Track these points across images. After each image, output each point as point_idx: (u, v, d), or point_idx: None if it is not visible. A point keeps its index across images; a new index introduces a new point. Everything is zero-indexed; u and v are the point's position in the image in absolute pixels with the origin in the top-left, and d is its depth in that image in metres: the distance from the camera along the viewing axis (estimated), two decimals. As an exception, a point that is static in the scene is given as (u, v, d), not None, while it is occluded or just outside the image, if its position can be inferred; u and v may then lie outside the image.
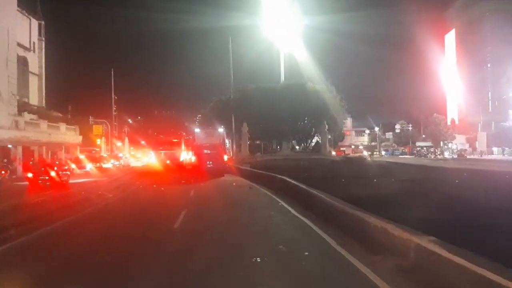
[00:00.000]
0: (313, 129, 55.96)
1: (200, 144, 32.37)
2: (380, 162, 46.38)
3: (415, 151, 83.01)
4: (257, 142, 62.53)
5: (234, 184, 25.98)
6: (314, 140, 60.48)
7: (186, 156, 34.00)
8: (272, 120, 50.98)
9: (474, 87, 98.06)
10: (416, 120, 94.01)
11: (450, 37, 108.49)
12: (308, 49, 58.66)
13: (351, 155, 68.23)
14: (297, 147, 61.85)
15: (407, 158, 68.07)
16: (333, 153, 60.40)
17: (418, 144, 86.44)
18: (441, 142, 79.80)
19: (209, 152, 31.78)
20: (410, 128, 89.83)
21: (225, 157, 32.33)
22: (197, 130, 33.06)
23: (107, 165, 48.06)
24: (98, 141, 77.15)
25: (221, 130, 33.54)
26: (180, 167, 33.46)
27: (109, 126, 72.47)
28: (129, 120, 76.66)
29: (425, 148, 79.81)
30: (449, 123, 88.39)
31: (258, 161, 44.60)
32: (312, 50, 70.75)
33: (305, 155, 51.44)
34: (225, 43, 50.93)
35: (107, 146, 70.76)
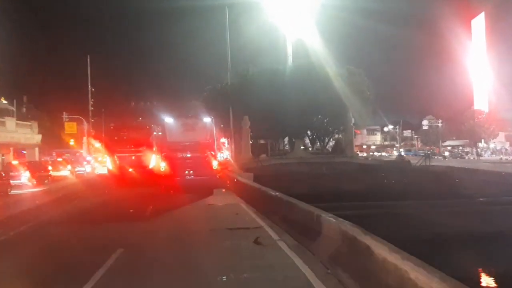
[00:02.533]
0: (333, 123, 43.74)
1: (175, 143, 20.44)
2: (439, 168, 34.10)
3: (445, 152, 71.04)
4: (261, 141, 50.55)
5: (227, 217, 14.05)
6: (329, 138, 48.43)
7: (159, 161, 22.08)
8: (280, 112, 38.93)
9: (506, 77, 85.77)
10: (444, 115, 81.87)
11: (479, 22, 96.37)
12: (320, 32, 46.18)
13: (381, 156, 56.13)
14: (309, 147, 49.95)
15: (453, 161, 55.38)
16: (362, 154, 48.39)
17: (448, 143, 74.66)
18: (482, 140, 67.68)
19: (189, 156, 19.76)
20: (440, 125, 77.83)
21: (215, 164, 20.15)
22: (168, 119, 20.89)
23: (63, 172, 36.13)
24: (72, 142, 65.66)
25: (208, 120, 21.23)
26: (149, 177, 21.36)
27: (85, 123, 60.62)
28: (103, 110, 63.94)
29: (461, 148, 67.79)
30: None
31: (264, 166, 32.60)
32: (324, 33, 58.05)
33: (324, 157, 39.44)
34: (220, 24, 39.24)
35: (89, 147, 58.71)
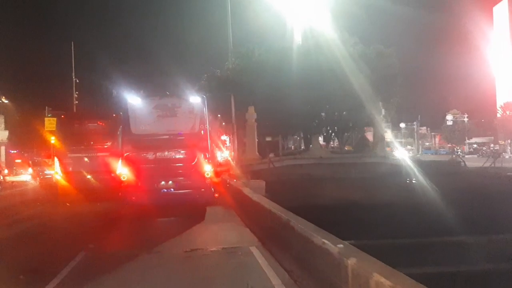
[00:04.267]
0: (354, 116, 36.06)
1: (143, 136, 12.73)
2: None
3: (471, 149, 63.44)
4: (268, 139, 43.07)
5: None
6: (348, 134, 40.86)
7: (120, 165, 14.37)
8: (292, 103, 31.47)
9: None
10: (464, 109, 74.08)
11: (501, 8, 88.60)
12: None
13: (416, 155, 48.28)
14: (322, 143, 42.33)
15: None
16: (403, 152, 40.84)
17: (474, 140, 67.11)
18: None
19: (166, 156, 12.17)
20: (466, 120, 69.97)
21: (208, 169, 12.53)
22: (133, 99, 13.17)
23: (23, 177, 28.97)
24: (53, 140, 58.23)
25: (196, 99, 13.39)
26: (114, 187, 13.62)
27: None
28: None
29: (492, 146, 60.17)
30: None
31: (277, 168, 25.17)
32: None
33: (349, 157, 31.95)
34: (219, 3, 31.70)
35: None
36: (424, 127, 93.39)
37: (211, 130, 13.09)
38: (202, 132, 12.54)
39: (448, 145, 73.73)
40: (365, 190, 21.00)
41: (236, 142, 33.53)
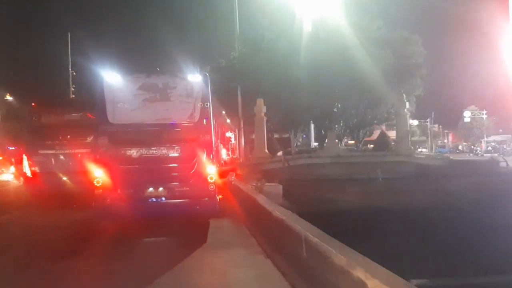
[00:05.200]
0: (374, 110, 32.69)
1: (125, 127, 9.24)
2: None
3: (489, 148, 59.86)
4: (275, 135, 39.88)
5: None
6: (365, 130, 37.45)
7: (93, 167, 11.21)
8: (305, 95, 28.26)
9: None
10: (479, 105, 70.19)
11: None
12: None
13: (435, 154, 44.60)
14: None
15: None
16: (422, 150, 37.45)
17: (492, 138, 63.56)
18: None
19: (154, 154, 9.00)
20: (484, 117, 66.09)
21: (211, 172, 9.38)
22: (111, 77, 10.30)
23: (2, 177, 25.99)
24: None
25: (195, 78, 10.30)
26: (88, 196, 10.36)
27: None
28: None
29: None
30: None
31: (292, 167, 22.00)
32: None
33: (369, 156, 28.64)
34: None
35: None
36: (436, 125, 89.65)
37: (215, 119, 9.82)
38: (205, 121, 9.29)
39: (464, 143, 70.14)
40: (395, 195, 17.83)
41: (243, 138, 30.40)
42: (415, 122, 76.97)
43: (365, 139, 38.33)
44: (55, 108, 14.53)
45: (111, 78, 9.17)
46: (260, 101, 27.92)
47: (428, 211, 14.34)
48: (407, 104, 28.65)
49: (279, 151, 32.27)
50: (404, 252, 9.10)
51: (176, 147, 9.15)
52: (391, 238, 10.44)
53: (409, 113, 28.81)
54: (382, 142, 33.69)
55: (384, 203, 15.58)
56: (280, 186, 13.80)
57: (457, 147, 67.83)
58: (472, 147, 63.82)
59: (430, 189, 19.66)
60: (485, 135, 66.92)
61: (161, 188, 9.15)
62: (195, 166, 9.18)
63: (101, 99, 9.12)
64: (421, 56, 29.80)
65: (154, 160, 9.08)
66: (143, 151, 9.03)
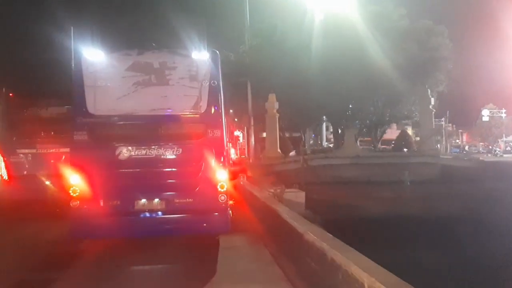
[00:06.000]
0: (393, 107, 30.34)
1: (109, 118, 7.01)
2: None
3: (508, 148, 57.10)
4: (286, 134, 37.64)
5: None
6: (382, 129, 35.09)
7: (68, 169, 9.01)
8: (319, 91, 26.09)
9: None
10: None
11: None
12: None
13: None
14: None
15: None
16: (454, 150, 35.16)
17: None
18: None
19: (150, 154, 6.91)
20: (504, 115, 63.21)
21: (222, 179, 7.30)
22: (91, 54, 8.54)
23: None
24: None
25: (202, 56, 8.35)
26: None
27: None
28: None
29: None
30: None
31: (311, 168, 19.84)
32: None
33: (393, 156, 26.33)
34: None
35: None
36: (450, 124, 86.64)
37: (220, 108, 7.57)
38: (214, 111, 7.11)
39: (481, 143, 67.33)
40: (429, 201, 15.59)
41: (252, 137, 28.27)
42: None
43: (382, 138, 36.01)
44: (37, 99, 12.38)
45: (92, 55, 7.02)
46: (272, 97, 25.86)
47: (473, 222, 12.20)
48: (432, 100, 26.30)
49: (291, 151, 30.09)
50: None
51: (177, 146, 7.00)
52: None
53: (434, 110, 26.43)
54: (403, 142, 31.37)
55: (420, 212, 13.39)
56: (301, 193, 11.60)
57: (474, 147, 64.84)
58: (490, 147, 61.04)
59: (465, 194, 17.43)
60: (504, 135, 64.09)
61: (156, 200, 7.01)
62: (201, 171, 7.03)
63: (79, 83, 6.97)
64: (447, 49, 27.47)
65: (147, 163, 6.95)
66: (133, 151, 6.90)
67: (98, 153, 6.89)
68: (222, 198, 7.07)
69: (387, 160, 24.33)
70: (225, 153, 7.29)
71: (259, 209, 10.28)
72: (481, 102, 66.01)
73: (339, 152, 25.79)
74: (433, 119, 26.41)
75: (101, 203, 6.87)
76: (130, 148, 6.88)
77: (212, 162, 7.05)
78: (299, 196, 11.27)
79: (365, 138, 37.53)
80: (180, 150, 6.96)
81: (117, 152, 6.87)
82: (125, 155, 6.88)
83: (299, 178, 16.95)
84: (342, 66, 25.59)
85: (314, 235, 5.73)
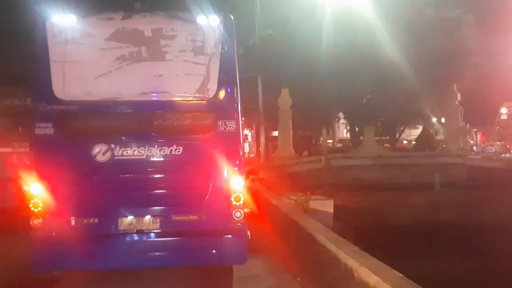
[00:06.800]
0: (418, 102, 28.13)
1: (82, 107, 5.15)
2: None
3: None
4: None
5: None
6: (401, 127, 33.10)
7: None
8: (336, 85, 24.09)
9: None
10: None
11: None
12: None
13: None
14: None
15: None
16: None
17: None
18: None
19: (139, 155, 5.12)
20: (523, 112, 60.88)
21: (237, 188, 5.51)
22: (60, 20, 6.94)
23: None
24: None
25: (214, 21, 6.62)
26: None
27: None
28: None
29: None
30: None
31: (333, 169, 18.00)
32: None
33: (416, 156, 24.29)
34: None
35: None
36: (464, 123, 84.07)
37: (239, 96, 5.63)
38: (225, 95, 5.21)
39: (497, 142, 64.68)
40: (469, 208, 13.60)
41: (263, 135, 26.34)
42: (443, 120, 71.71)
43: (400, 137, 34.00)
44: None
45: (61, 19, 5.12)
46: (285, 91, 23.96)
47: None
48: (459, 95, 24.20)
49: (304, 150, 28.15)
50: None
51: (175, 144, 5.11)
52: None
53: (461, 107, 24.31)
54: (426, 140, 29.33)
55: (467, 221, 11.42)
56: (329, 201, 9.64)
57: (490, 147, 62.18)
58: (508, 146, 58.48)
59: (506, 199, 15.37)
60: (525, 133, 61.37)
61: (148, 217, 5.14)
62: (209, 178, 5.14)
63: (42, 57, 5.07)
64: (474, 41, 25.29)
65: (136, 167, 5.10)
66: (117, 150, 5.03)
67: (68, 153, 5.03)
68: (238, 214, 5.18)
69: (412, 160, 22.33)
70: (241, 153, 5.39)
71: (279, 221, 8.40)
72: (500, 99, 63.10)
73: (358, 152, 23.77)
74: (460, 117, 24.23)
75: (73, 222, 5.02)
76: (112, 146, 5.03)
77: (224, 165, 5.17)
78: (326, 205, 9.35)
79: (382, 138, 35.48)
80: (180, 149, 5.09)
81: (94, 152, 5.01)
82: (105, 156, 5.02)
83: (321, 181, 15.03)
84: (358, 61, 23.59)
85: (374, 272, 3.84)
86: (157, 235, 5.13)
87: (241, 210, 5.18)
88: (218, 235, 5.16)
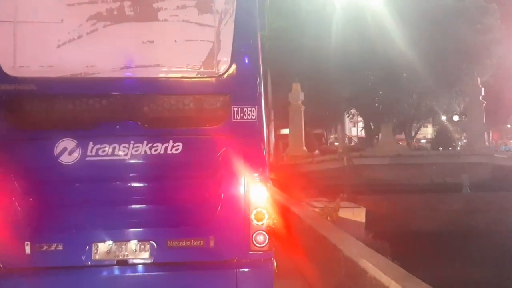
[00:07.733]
0: (434, 99, 26.56)
1: (39, 88, 3.48)
2: None
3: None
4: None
5: None
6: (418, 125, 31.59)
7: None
8: (350, 79, 22.68)
9: None
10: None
11: None
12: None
13: None
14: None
15: None
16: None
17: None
18: None
19: (116, 154, 3.72)
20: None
21: (260, 202, 4.08)
22: None
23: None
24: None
25: None
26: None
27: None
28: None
29: None
30: None
31: (354, 167, 16.65)
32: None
33: (438, 155, 22.77)
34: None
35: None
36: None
37: (261, 74, 4.16)
38: (242, 70, 3.73)
39: (511, 141, 62.82)
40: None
41: (273, 133, 24.92)
42: (455, 118, 69.95)
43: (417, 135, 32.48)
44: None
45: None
46: (296, 86, 22.53)
47: None
48: (483, 90, 22.61)
49: (316, 149, 26.72)
50: None
51: (172, 139, 3.61)
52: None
53: (485, 102, 22.70)
54: (445, 138, 27.77)
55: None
56: (360, 209, 8.14)
57: (504, 145, 60.36)
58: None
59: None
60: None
61: (133, 242, 3.69)
62: (221, 188, 3.67)
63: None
64: (499, 31, 23.73)
65: (116, 171, 3.64)
66: (90, 148, 3.55)
67: (21, 151, 3.57)
68: (260, 239, 3.69)
69: (432, 160, 20.81)
70: (264, 152, 3.89)
71: (302, 234, 6.94)
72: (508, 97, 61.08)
73: (375, 151, 22.26)
74: (484, 113, 22.62)
75: (27, 250, 3.55)
76: (82, 142, 3.55)
77: (241, 169, 3.68)
78: (356, 214, 7.87)
79: (397, 136, 33.93)
80: (179, 146, 3.59)
81: (57, 151, 3.53)
82: (73, 156, 3.54)
83: (337, 182, 13.57)
84: (368, 56, 22.16)
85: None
86: (146, 268, 3.65)
87: (264, 233, 3.70)
88: (232, 269, 3.67)
